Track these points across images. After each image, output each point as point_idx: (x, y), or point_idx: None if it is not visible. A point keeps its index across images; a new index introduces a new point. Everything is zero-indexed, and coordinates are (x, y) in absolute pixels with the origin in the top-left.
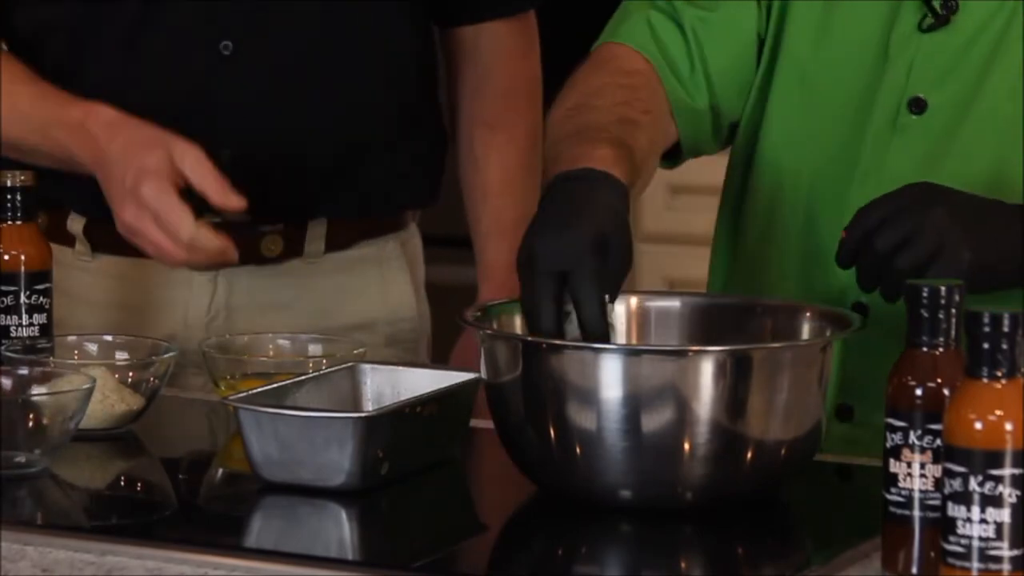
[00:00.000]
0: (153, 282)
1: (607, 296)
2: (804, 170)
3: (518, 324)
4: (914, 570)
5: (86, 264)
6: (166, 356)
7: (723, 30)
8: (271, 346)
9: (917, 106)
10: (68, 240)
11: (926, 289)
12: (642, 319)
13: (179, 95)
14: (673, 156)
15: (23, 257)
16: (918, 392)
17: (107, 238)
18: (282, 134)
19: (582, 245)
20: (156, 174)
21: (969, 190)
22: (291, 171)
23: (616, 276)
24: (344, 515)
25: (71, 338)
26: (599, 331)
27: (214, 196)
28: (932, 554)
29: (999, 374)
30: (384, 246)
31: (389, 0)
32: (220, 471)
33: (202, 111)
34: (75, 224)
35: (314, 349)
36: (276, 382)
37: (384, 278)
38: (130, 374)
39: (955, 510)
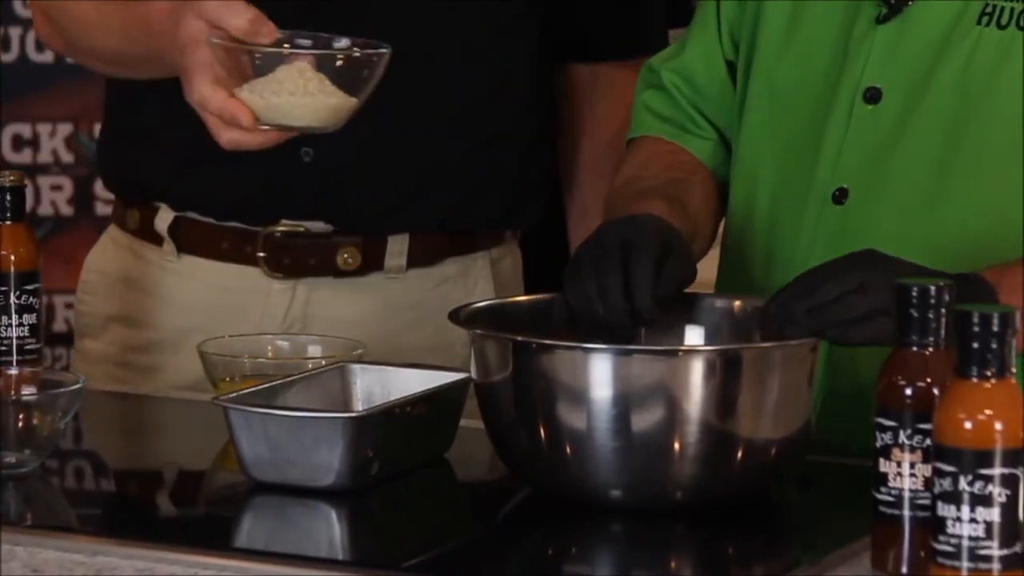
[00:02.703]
0: (232, 287)
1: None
2: (772, 167)
3: (507, 324)
4: (904, 569)
5: (171, 264)
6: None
7: (696, 68)
8: (270, 347)
9: (872, 96)
10: (156, 239)
11: (915, 288)
12: None
13: None
14: None
15: (13, 257)
16: (908, 392)
17: (192, 238)
18: (365, 141)
19: (648, 230)
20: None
21: (916, 181)
22: (371, 181)
23: (676, 278)
24: (334, 515)
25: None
26: (645, 304)
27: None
28: (922, 553)
29: (988, 374)
30: (472, 264)
31: (485, 18)
32: (210, 471)
33: None
34: (162, 223)
35: (313, 350)
36: (268, 382)
37: (468, 298)
38: (339, 60)
39: (945, 509)
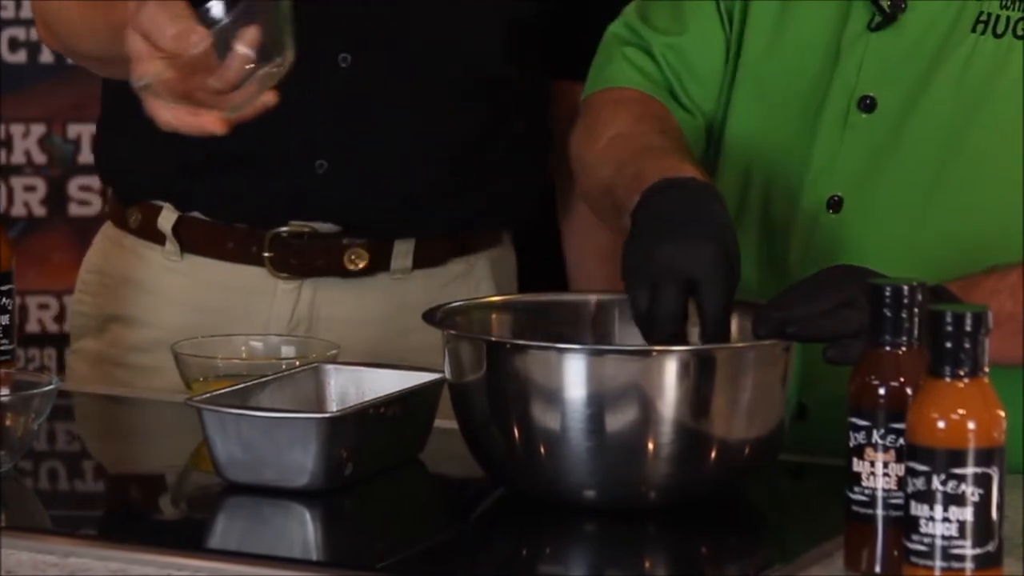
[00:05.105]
0: (237, 287)
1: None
2: (761, 168)
3: (481, 324)
4: (877, 569)
5: (174, 264)
6: None
7: (695, 53)
8: (244, 348)
9: (867, 104)
10: (159, 239)
11: (888, 288)
12: (607, 318)
13: (289, 102)
14: None
15: None
16: (881, 391)
17: (196, 238)
18: (379, 152)
19: (713, 254)
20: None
21: (913, 189)
22: (381, 191)
23: (734, 284)
24: (308, 516)
25: None
26: (721, 334)
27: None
28: (895, 553)
29: (962, 373)
30: (475, 264)
31: (497, 34)
32: (184, 472)
33: (307, 120)
34: (165, 222)
35: (287, 351)
36: (242, 383)
37: (471, 297)
38: None
39: (918, 509)
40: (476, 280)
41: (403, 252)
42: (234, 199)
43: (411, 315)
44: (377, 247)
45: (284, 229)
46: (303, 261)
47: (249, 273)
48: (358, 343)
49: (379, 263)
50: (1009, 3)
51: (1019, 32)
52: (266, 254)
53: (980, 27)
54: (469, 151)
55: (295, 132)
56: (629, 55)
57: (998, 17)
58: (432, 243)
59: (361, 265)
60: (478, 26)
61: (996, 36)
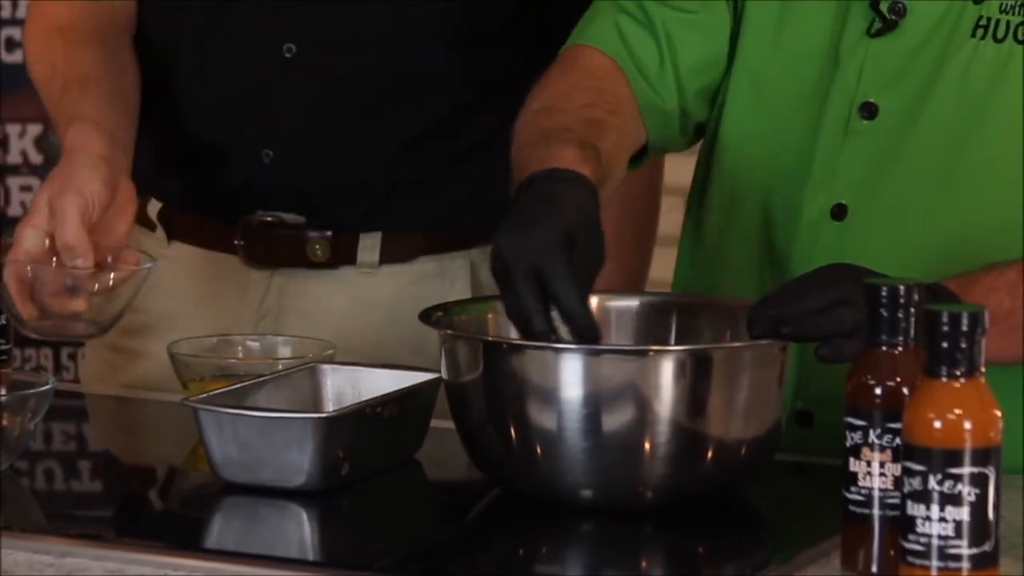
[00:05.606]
0: (214, 274)
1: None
2: (758, 172)
3: (478, 324)
4: (874, 569)
5: (162, 250)
6: None
7: (702, 31)
8: (240, 347)
9: (868, 111)
10: (151, 226)
11: (885, 288)
12: (601, 319)
13: (237, 93)
14: (636, 158)
15: None
16: (877, 391)
17: (179, 225)
18: (331, 142)
19: (549, 240)
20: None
21: (919, 192)
22: (337, 182)
23: (587, 270)
24: (305, 516)
25: None
26: (583, 323)
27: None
28: (892, 553)
29: (958, 373)
30: (450, 263)
31: (451, 26)
32: (180, 472)
33: (254, 110)
34: (152, 209)
35: (284, 351)
36: (238, 383)
37: (444, 297)
38: None
39: (914, 508)
40: (451, 280)
41: (369, 246)
42: (198, 188)
43: (378, 311)
44: (341, 239)
45: (256, 218)
46: (269, 250)
47: (225, 261)
48: (322, 337)
49: (344, 256)
50: (1008, 7)
51: (1020, 37)
52: (238, 242)
53: (980, 31)
54: (428, 144)
55: (242, 122)
56: (620, 22)
57: (998, 21)
58: (399, 238)
59: (324, 257)
60: (428, 17)
61: (996, 41)
